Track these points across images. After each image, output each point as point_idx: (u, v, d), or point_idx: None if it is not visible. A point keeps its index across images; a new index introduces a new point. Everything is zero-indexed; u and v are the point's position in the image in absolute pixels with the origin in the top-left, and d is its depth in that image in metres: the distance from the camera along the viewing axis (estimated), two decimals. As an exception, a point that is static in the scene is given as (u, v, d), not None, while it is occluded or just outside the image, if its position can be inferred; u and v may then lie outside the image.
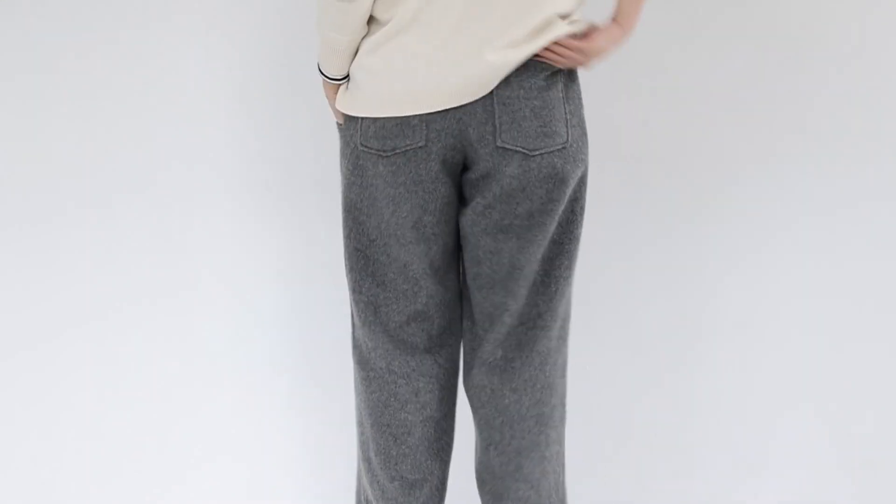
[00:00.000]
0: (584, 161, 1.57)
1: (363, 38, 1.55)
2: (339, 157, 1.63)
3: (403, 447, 1.68)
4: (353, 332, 1.71)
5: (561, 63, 1.51)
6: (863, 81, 2.18)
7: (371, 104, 1.55)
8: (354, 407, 1.75)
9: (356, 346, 1.70)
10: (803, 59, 2.18)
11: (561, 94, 1.53)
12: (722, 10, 2.18)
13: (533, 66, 1.50)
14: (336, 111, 1.64)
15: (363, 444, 1.72)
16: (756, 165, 2.22)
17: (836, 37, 2.17)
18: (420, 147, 1.54)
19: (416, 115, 1.52)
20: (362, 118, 1.56)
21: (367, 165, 1.57)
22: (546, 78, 1.52)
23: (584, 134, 1.57)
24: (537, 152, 1.52)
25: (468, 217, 1.60)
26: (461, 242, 1.64)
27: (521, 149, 1.52)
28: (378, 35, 1.52)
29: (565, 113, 1.54)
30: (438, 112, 1.51)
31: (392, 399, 1.67)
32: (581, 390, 2.01)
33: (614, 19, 1.58)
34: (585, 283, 2.11)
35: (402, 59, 1.52)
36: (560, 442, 1.72)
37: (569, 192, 1.56)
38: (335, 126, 1.69)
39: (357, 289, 1.65)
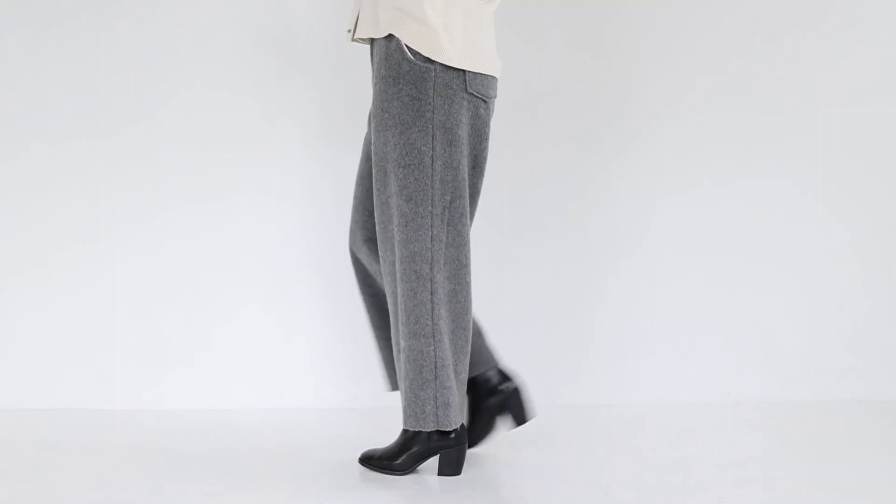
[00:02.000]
0: None
1: None
2: (416, 110, 1.97)
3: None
4: (435, 262, 1.99)
5: None
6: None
7: (485, 61, 2.04)
8: (433, 314, 2.00)
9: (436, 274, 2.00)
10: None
11: None
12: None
13: None
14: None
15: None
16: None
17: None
18: (494, 97, 2.10)
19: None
20: (467, 71, 1.99)
21: (468, 107, 2.01)
22: None
23: None
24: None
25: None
26: None
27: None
28: None
29: None
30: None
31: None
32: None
33: None
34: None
35: (488, 25, 2.07)
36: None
37: None
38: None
39: (465, 212, 2.03)
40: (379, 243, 2.06)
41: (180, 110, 2.78)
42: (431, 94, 1.95)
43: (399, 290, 2.00)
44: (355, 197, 2.22)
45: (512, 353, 2.67)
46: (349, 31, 2.12)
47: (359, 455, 2.18)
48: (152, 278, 2.80)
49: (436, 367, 2.00)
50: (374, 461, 2.12)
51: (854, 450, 2.32)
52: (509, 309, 2.76)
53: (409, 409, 2.03)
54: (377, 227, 2.06)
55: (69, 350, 2.79)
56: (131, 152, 2.78)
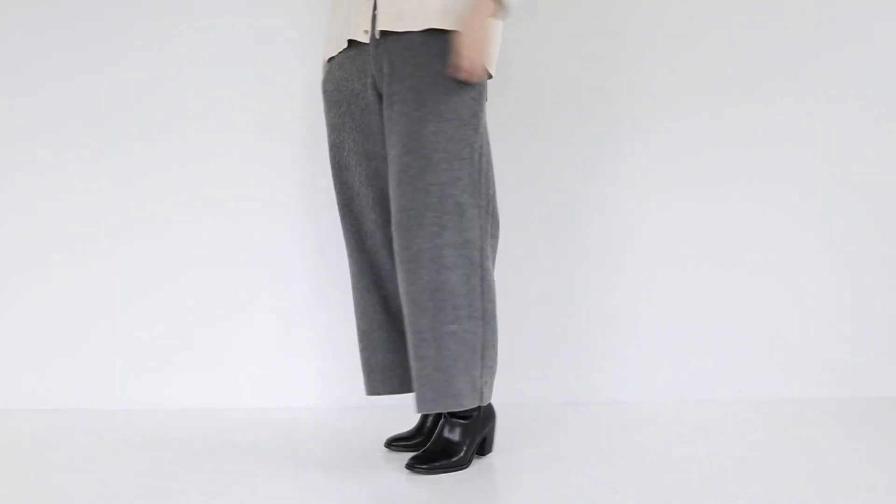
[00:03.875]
0: None
1: None
2: (472, 110, 2.05)
3: None
4: (484, 249, 2.08)
5: None
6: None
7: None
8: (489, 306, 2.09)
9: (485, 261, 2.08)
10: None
11: None
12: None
13: None
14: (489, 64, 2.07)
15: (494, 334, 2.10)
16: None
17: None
18: None
19: None
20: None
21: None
22: None
23: None
24: None
25: None
26: None
27: None
28: None
29: None
30: None
31: None
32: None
33: None
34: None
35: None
36: None
37: None
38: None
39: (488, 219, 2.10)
40: (404, 230, 2.04)
41: (184, 114, 2.79)
42: (483, 96, 2.08)
43: (448, 276, 2.01)
44: (365, 199, 2.19)
45: (519, 349, 2.66)
46: (366, 31, 2.10)
47: (407, 462, 2.11)
48: (156, 280, 2.79)
49: (483, 348, 2.06)
50: (436, 462, 2.08)
51: (866, 447, 2.29)
52: (516, 305, 2.73)
53: (465, 390, 2.04)
54: (403, 216, 2.04)
55: (72, 351, 2.78)
56: (136, 156, 2.80)
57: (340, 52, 2.16)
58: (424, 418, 2.30)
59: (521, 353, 2.73)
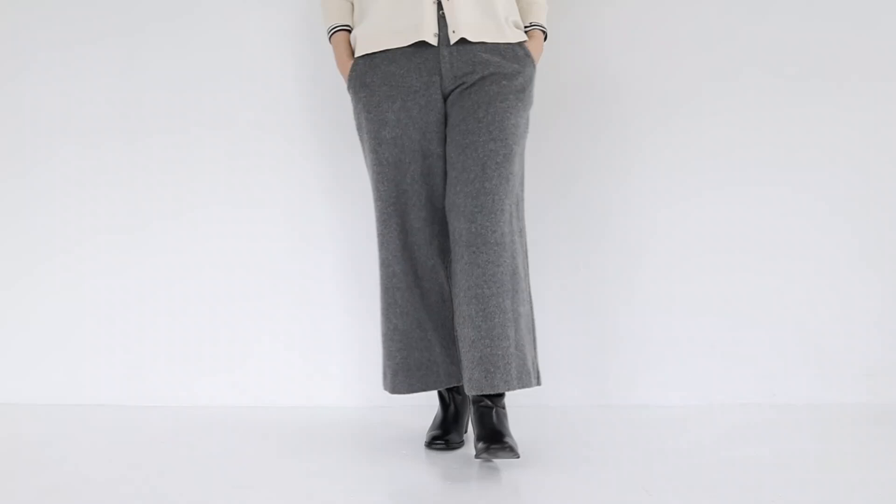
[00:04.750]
0: None
1: None
2: (529, 113, 2.22)
3: None
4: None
5: None
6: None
7: None
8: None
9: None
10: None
11: None
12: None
13: None
14: None
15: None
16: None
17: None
18: None
19: None
20: None
21: None
22: None
23: None
24: None
25: None
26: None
27: None
28: None
29: None
30: None
31: None
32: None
33: None
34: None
35: None
36: None
37: None
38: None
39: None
40: (489, 213, 2.10)
41: (209, 111, 2.78)
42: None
43: (518, 260, 2.13)
44: (416, 196, 2.24)
45: (548, 351, 2.59)
46: (435, 34, 2.17)
47: (476, 452, 2.07)
48: (180, 276, 2.79)
49: (534, 330, 2.21)
50: (507, 446, 2.04)
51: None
52: (543, 306, 2.67)
53: (532, 368, 2.14)
54: (488, 199, 2.10)
55: (97, 347, 2.78)
56: (162, 152, 2.79)
57: (390, 49, 2.20)
58: (446, 411, 2.34)
59: (550, 355, 2.67)
